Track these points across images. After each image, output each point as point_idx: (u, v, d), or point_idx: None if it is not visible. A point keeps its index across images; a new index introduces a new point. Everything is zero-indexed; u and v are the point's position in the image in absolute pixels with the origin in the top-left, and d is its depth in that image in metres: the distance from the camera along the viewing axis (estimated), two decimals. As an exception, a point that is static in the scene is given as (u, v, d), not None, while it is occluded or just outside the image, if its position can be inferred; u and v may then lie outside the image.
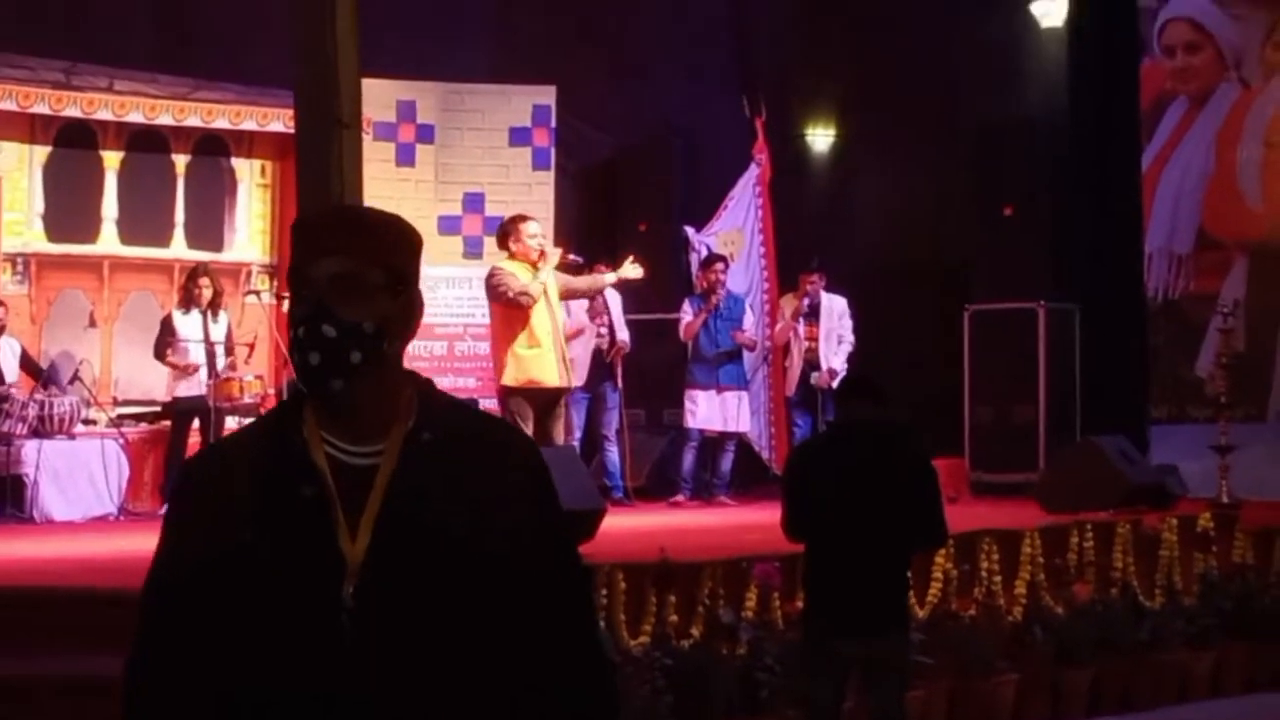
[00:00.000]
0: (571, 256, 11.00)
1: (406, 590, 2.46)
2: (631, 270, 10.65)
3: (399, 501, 2.49)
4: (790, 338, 13.07)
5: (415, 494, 2.49)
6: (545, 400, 9.98)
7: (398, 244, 2.58)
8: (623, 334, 12.46)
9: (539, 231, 10.37)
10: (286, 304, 2.62)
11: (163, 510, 11.34)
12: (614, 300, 12.46)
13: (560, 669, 2.55)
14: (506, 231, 10.31)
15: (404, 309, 2.56)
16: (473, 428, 2.60)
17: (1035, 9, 14.52)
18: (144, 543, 10.02)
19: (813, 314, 13.02)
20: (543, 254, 10.18)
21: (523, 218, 10.46)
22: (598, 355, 12.39)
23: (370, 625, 2.45)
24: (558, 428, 10.17)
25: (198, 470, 2.66)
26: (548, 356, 9.97)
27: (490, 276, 10.17)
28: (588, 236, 14.06)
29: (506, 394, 10.02)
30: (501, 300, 10.06)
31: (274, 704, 2.47)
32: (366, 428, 2.52)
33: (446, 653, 2.47)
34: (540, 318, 10.02)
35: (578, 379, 11.98)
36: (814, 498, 6.25)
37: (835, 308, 12.97)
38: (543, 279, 10.05)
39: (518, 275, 10.04)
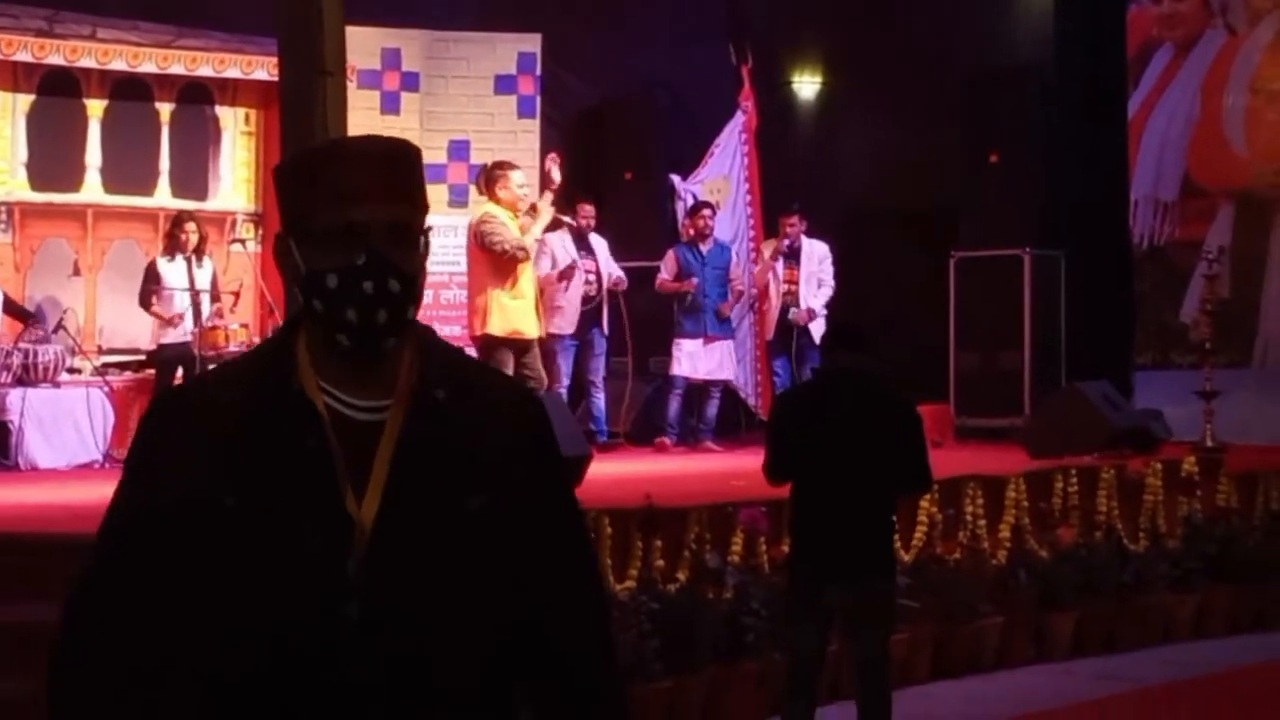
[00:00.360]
0: (567, 220, 10.99)
1: (417, 557, 2.28)
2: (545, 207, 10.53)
3: (410, 462, 2.29)
4: (770, 280, 13.07)
5: (426, 454, 2.30)
6: (520, 349, 10.09)
7: (424, 184, 2.40)
8: (616, 271, 12.45)
9: (525, 181, 10.38)
10: (295, 246, 2.35)
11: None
12: (599, 245, 12.45)
13: (569, 619, 2.42)
14: (493, 178, 10.29)
15: (425, 255, 2.39)
16: (479, 381, 2.43)
17: (1022, -45, 14.49)
18: (130, 489, 9.98)
19: (793, 257, 13.02)
20: (534, 208, 10.17)
21: (510, 164, 10.46)
22: (586, 301, 12.38)
23: (378, 595, 2.25)
24: (534, 369, 10.24)
25: (172, 407, 2.40)
26: (528, 307, 10.11)
27: (482, 223, 10.14)
28: (573, 185, 14.01)
29: (490, 343, 10.03)
30: (493, 250, 10.06)
31: (255, 682, 2.26)
32: (373, 380, 2.33)
33: (456, 622, 2.29)
34: (526, 269, 10.11)
35: (568, 325, 12.03)
36: (798, 445, 6.27)
37: (816, 252, 12.97)
38: (536, 234, 10.08)
39: (509, 226, 10.04)
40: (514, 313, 10.04)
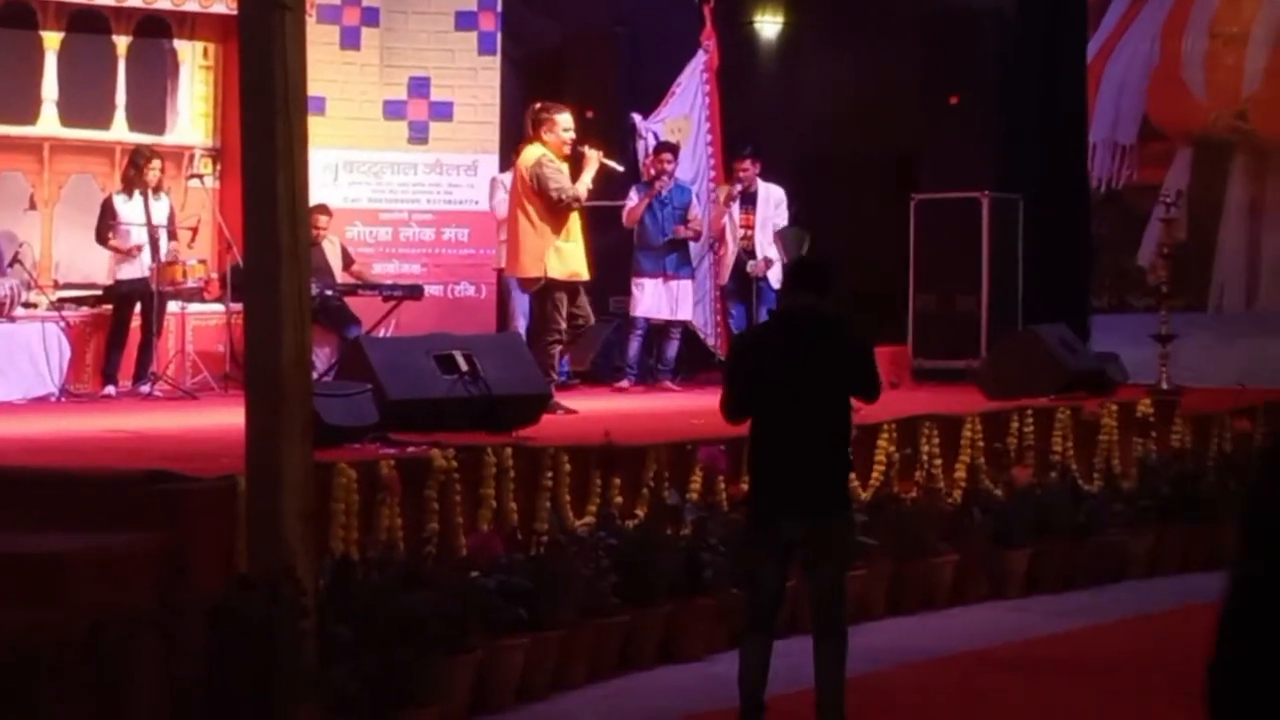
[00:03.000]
0: (613, 164, 10.85)
1: None
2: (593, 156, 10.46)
3: None
4: (725, 225, 13.05)
5: None
6: (573, 291, 10.13)
7: None
8: None
9: (571, 124, 10.27)
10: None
11: (104, 392, 11.35)
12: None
13: None
14: (539, 120, 10.18)
15: None
16: None
17: (984, -104, 14.44)
18: (84, 423, 10.06)
19: (749, 202, 12.99)
20: (584, 156, 10.10)
21: (556, 107, 10.33)
22: None
23: None
24: (584, 309, 10.28)
25: None
26: (580, 250, 10.13)
27: (540, 166, 10.01)
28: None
29: (550, 285, 10.04)
30: (548, 195, 10.02)
31: None
32: None
33: None
34: (576, 213, 10.16)
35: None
36: (756, 384, 6.30)
37: (772, 196, 12.93)
38: (587, 183, 10.03)
39: (564, 172, 10.01)
40: (569, 256, 10.08)
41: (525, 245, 10.13)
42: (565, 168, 10.11)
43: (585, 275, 10.16)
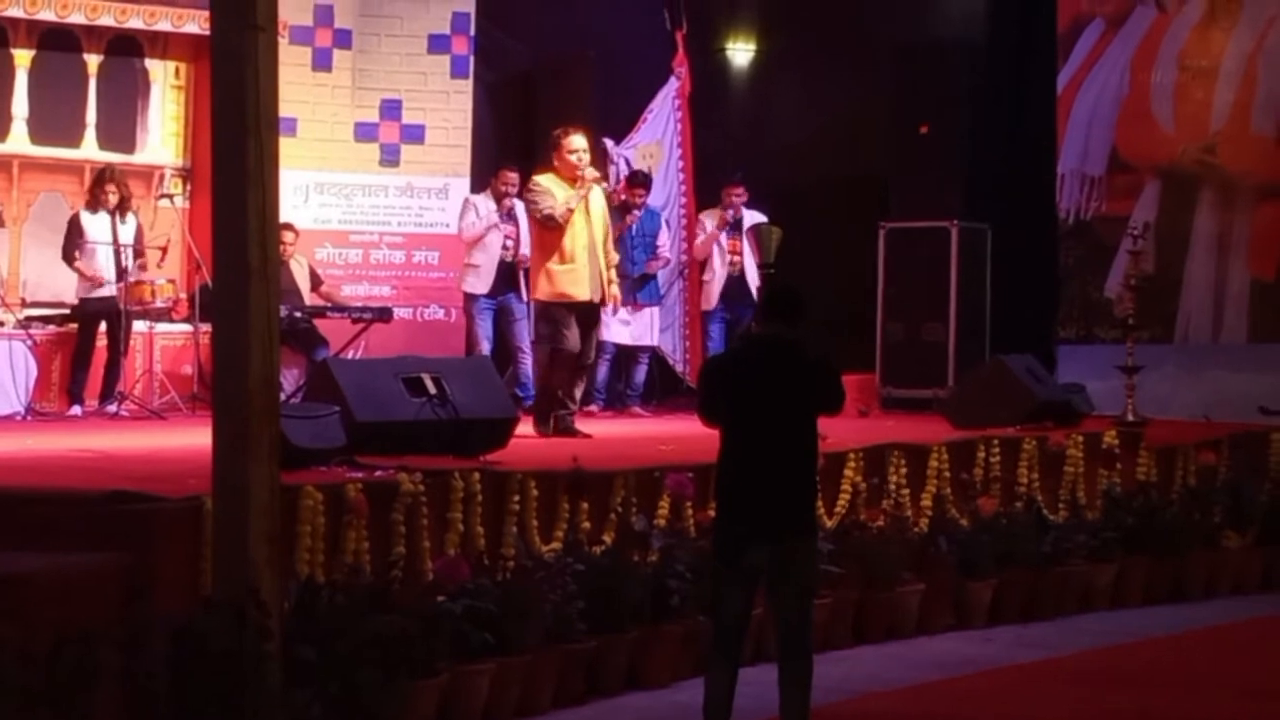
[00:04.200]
0: (605, 185, 10.91)
1: None
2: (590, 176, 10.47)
3: None
4: (714, 251, 13.08)
5: None
6: (582, 313, 10.14)
7: None
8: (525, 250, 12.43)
9: (581, 146, 10.27)
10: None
11: (70, 412, 11.30)
12: (522, 213, 12.41)
13: None
14: (553, 145, 10.31)
15: None
16: None
17: (955, -72, 14.54)
18: (50, 442, 10.00)
19: (736, 228, 13.05)
20: (582, 179, 10.11)
21: (570, 130, 10.38)
22: (503, 266, 12.38)
23: None
24: (592, 340, 10.34)
25: None
26: (581, 272, 10.10)
27: (527, 191, 10.38)
28: (505, 147, 13.99)
29: (542, 308, 10.31)
30: (532, 218, 10.29)
31: None
32: None
33: None
34: (573, 235, 10.10)
35: (483, 286, 12.09)
36: (723, 411, 6.33)
37: (756, 222, 13.00)
38: (569, 202, 10.02)
39: (552, 192, 10.09)
40: (560, 277, 10.10)
41: (533, 268, 10.46)
42: (561, 190, 10.12)
43: (580, 297, 10.10)
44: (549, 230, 10.12)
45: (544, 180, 10.20)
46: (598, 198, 10.30)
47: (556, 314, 10.13)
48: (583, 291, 10.11)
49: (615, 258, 10.76)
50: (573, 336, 10.11)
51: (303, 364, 12.10)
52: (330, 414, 7.52)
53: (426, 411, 7.99)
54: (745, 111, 15.42)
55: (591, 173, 10.26)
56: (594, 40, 14.61)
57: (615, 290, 10.55)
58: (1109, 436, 10.55)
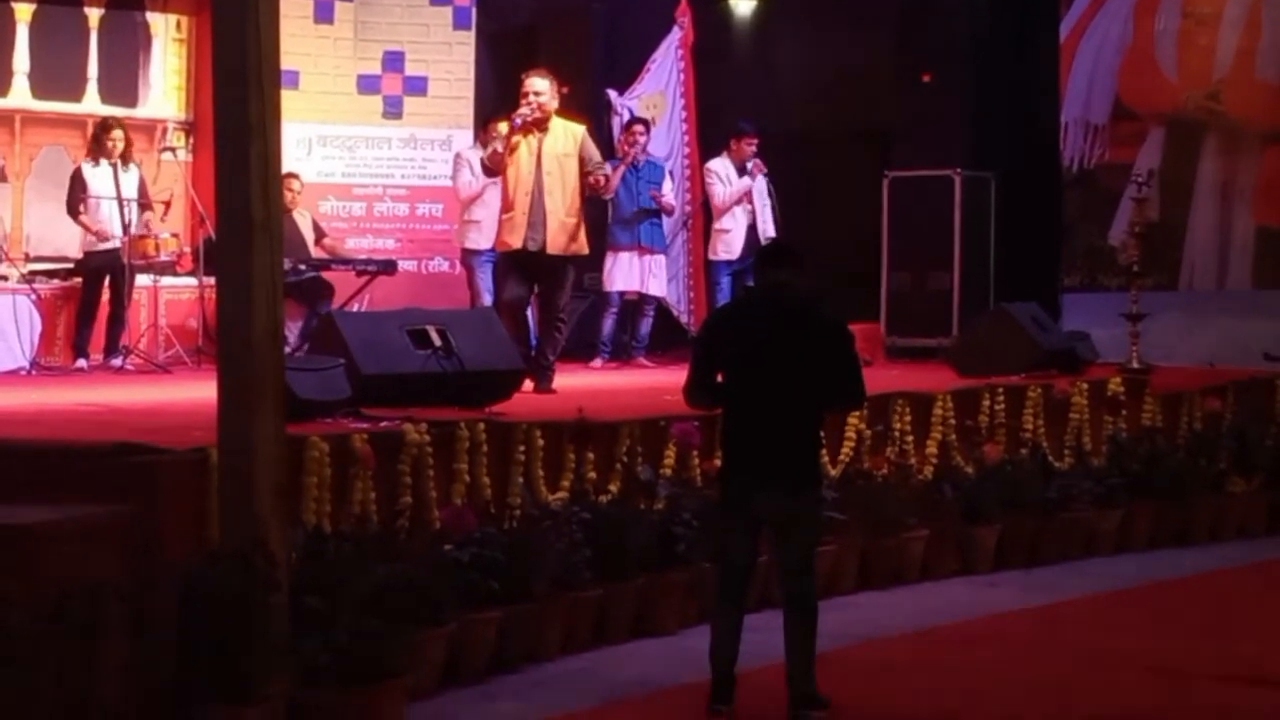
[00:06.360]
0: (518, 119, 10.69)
1: None
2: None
3: None
4: (740, 198, 12.89)
5: None
6: (528, 263, 9.67)
7: None
8: None
9: (537, 89, 9.68)
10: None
11: (75, 365, 11.32)
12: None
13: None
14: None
15: None
16: None
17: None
18: (55, 396, 10.01)
19: (748, 176, 12.98)
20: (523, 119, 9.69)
21: (529, 73, 9.95)
22: None
23: None
24: (560, 295, 9.80)
25: None
26: (518, 219, 9.62)
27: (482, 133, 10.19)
28: (507, 98, 13.93)
29: (504, 259, 9.92)
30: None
31: None
32: None
33: None
34: (515, 181, 9.67)
35: (485, 240, 11.89)
36: (728, 362, 6.34)
37: (762, 180, 12.94)
38: (498, 146, 9.60)
39: (501, 138, 9.74)
40: (502, 225, 9.76)
41: None
42: (518, 137, 9.66)
43: (513, 244, 9.63)
44: (497, 177, 9.95)
45: (504, 126, 9.83)
46: (556, 142, 9.70)
47: (500, 263, 9.91)
48: (516, 240, 9.61)
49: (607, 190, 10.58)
50: (510, 286, 9.72)
51: (307, 316, 12.11)
52: (335, 366, 7.53)
53: (432, 363, 8.00)
54: (748, 61, 15.37)
55: (524, 112, 9.66)
56: (596, -9, 14.57)
57: (607, 169, 10.21)
58: (1114, 383, 10.56)
